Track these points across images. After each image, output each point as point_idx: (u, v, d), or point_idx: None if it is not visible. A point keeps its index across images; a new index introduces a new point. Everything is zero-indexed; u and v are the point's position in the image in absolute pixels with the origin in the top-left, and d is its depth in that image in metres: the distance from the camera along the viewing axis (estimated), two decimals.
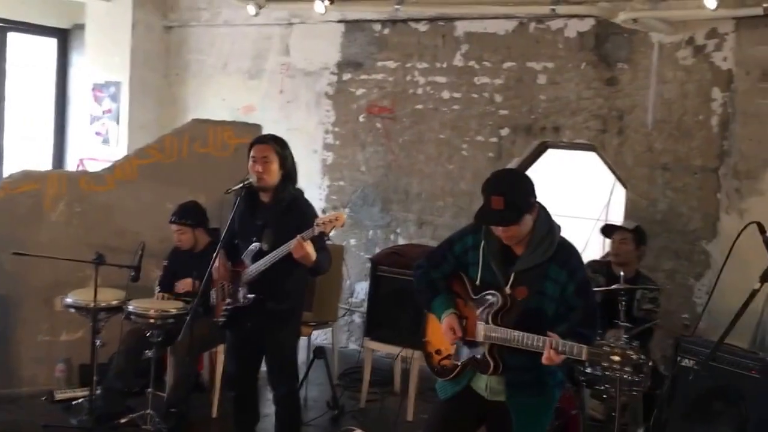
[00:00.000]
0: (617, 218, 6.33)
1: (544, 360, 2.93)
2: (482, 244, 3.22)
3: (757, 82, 5.48)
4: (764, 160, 5.46)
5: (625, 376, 2.74)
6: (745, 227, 2.58)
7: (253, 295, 4.11)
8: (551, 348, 2.90)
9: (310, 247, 3.86)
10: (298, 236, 3.83)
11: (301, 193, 4.28)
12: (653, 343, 5.47)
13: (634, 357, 2.72)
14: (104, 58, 8.36)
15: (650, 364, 4.56)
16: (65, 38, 9.18)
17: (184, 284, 5.19)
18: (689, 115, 5.76)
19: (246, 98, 8.03)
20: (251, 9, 6.77)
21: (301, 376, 5.03)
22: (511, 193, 3.07)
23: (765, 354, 3.93)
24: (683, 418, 4.00)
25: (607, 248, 5.73)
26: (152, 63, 8.40)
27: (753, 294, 2.53)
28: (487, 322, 3.12)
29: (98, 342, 4.77)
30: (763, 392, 3.77)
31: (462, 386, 3.28)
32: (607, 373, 2.77)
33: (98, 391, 4.93)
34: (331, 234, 3.95)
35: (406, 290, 5.49)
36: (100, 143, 8.44)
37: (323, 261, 4.04)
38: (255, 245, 4.13)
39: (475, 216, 3.16)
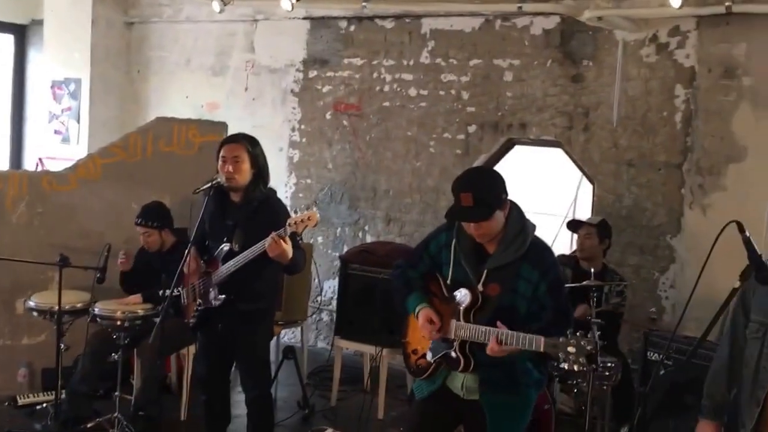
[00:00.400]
0: (585, 214, 6.40)
1: (487, 351, 2.97)
2: (453, 242, 3.23)
3: (718, 79, 5.57)
4: (726, 156, 5.55)
5: (581, 368, 2.79)
6: (726, 225, 2.60)
7: (223, 296, 4.06)
8: (495, 340, 2.94)
9: (286, 244, 3.81)
10: (273, 234, 3.78)
11: (273, 192, 4.24)
12: (621, 337, 5.54)
13: (588, 348, 2.78)
14: (63, 55, 8.21)
15: (611, 359, 4.63)
16: (23, 34, 9.01)
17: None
18: (653, 112, 5.83)
19: (210, 95, 7.96)
20: (216, 5, 6.69)
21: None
22: (480, 189, 3.07)
23: None
24: (655, 411, 4.05)
25: (576, 244, 5.79)
26: (113, 59, 8.27)
27: (733, 292, 2.57)
28: (458, 319, 3.13)
29: (62, 346, 4.68)
30: None
31: (437, 385, 3.28)
32: (564, 365, 2.81)
33: (63, 396, 4.83)
34: (303, 234, 3.91)
35: (376, 288, 5.51)
36: (59, 142, 8.29)
37: (299, 258, 4.01)
38: (226, 246, 4.08)
39: (446, 214, 3.16)
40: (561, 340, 2.82)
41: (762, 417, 2.81)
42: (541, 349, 2.87)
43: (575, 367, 2.79)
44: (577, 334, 2.81)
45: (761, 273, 2.60)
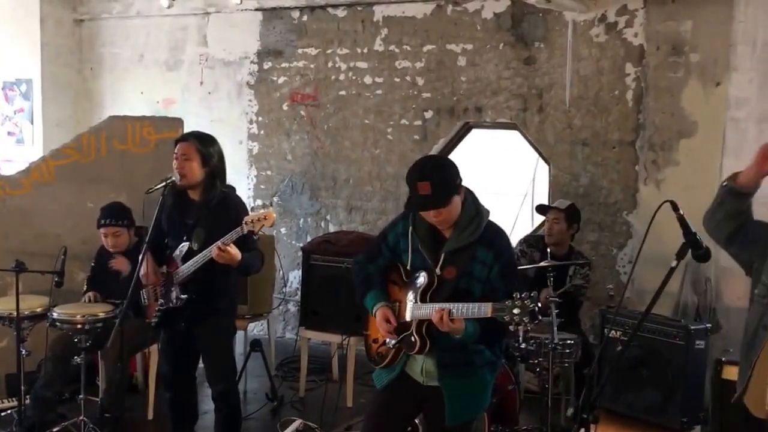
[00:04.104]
0: (543, 194, 6.47)
1: (434, 320, 3.02)
2: (410, 230, 3.27)
3: (667, 56, 5.66)
4: (677, 131, 5.65)
5: (526, 327, 2.85)
6: (660, 206, 2.66)
7: (185, 296, 4.06)
8: (439, 312, 2.99)
9: (233, 250, 3.82)
10: (218, 242, 3.80)
11: (232, 190, 4.24)
12: (582, 313, 5.63)
13: (531, 306, 2.84)
14: (13, 55, 8.07)
15: (571, 336, 4.71)
16: None
17: (119, 262, 5.00)
18: (605, 91, 5.91)
19: (165, 91, 7.88)
20: (165, 1, 6.62)
21: (238, 370, 4.99)
22: (437, 177, 3.10)
23: (687, 321, 4.07)
24: (612, 385, 4.12)
25: (536, 223, 5.84)
26: (64, 58, 8.16)
27: (671, 271, 2.62)
28: (415, 302, 3.18)
29: (24, 351, 4.64)
30: (687, 358, 3.91)
31: (397, 372, 3.32)
32: (511, 327, 2.86)
33: (27, 401, 4.80)
34: (260, 232, 3.90)
35: (339, 277, 5.54)
36: (13, 143, 8.18)
37: (252, 261, 4.02)
38: (185, 245, 4.07)
39: (405, 205, 3.20)
40: (507, 303, 2.88)
41: (751, 380, 2.85)
42: (489, 314, 2.92)
43: (520, 328, 2.85)
44: (522, 295, 2.86)
45: (696, 251, 2.65)
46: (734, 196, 2.91)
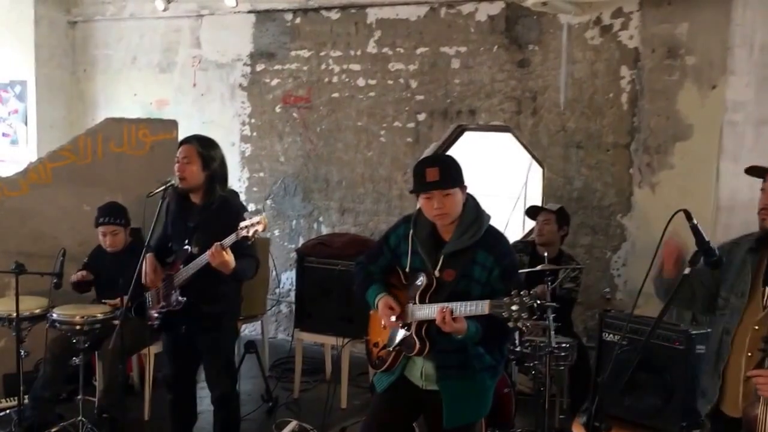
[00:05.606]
0: (536, 197, 6.50)
1: (437, 322, 3.03)
2: (411, 232, 3.29)
3: (662, 59, 5.70)
4: (672, 134, 5.69)
5: (527, 323, 2.86)
6: (674, 215, 2.68)
7: (184, 299, 4.06)
8: (441, 311, 3.00)
9: (227, 255, 3.82)
10: (216, 244, 3.80)
11: (233, 194, 4.25)
12: (574, 316, 5.66)
13: (529, 302, 2.86)
14: (7, 57, 8.06)
15: (567, 340, 4.74)
16: None
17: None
18: (600, 94, 5.94)
19: (158, 92, 7.89)
20: (159, 4, 6.63)
21: None
22: (445, 163, 3.22)
23: (686, 326, 4.06)
24: (611, 389, 4.12)
25: (528, 227, 5.87)
26: (58, 60, 8.17)
27: (685, 278, 2.63)
28: (414, 302, 3.21)
29: (22, 352, 4.64)
30: (687, 362, 3.89)
31: (396, 375, 3.34)
32: (509, 323, 2.88)
33: (26, 401, 4.79)
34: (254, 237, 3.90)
35: (333, 279, 5.57)
36: (8, 144, 8.17)
37: (246, 268, 4.01)
38: (187, 248, 4.08)
39: (413, 189, 3.25)
40: (505, 300, 2.90)
41: (724, 386, 2.88)
42: (487, 311, 2.95)
43: (519, 324, 2.87)
44: (521, 292, 2.88)
45: (709, 258, 2.68)
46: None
